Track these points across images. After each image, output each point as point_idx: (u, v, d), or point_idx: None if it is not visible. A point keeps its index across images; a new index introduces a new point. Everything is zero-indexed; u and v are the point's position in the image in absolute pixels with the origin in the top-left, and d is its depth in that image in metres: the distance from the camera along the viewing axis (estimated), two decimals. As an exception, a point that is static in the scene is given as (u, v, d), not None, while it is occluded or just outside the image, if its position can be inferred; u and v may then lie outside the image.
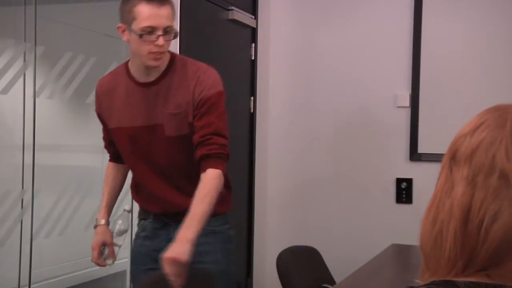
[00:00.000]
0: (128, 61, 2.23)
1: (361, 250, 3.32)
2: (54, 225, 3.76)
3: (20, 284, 3.46)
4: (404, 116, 3.60)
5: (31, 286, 3.51)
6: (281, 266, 2.65)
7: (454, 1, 3.52)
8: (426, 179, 3.34)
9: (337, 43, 3.73)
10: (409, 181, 3.59)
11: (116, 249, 2.31)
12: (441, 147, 0.89)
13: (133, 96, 2.18)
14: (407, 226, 3.15)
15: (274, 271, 2.67)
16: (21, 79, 3.49)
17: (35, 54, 3.51)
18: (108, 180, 2.39)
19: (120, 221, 2.32)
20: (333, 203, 3.73)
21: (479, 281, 0.80)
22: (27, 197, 3.48)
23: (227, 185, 2.30)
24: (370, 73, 3.66)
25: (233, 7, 3.48)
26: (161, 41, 2.04)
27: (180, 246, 2.00)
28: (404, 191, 3.60)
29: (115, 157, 2.37)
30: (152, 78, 2.15)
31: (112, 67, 3.51)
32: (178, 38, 2.39)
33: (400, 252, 3.09)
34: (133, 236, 2.44)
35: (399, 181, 3.61)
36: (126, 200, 2.62)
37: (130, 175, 2.40)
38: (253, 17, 3.75)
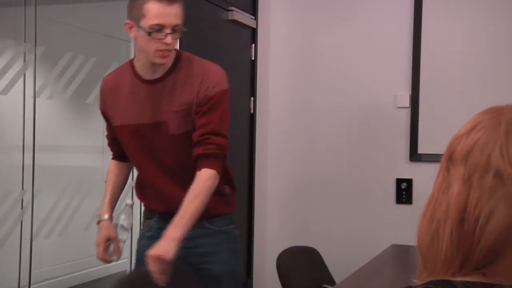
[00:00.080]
0: (133, 58, 2.22)
1: (361, 251, 3.32)
2: (54, 226, 3.76)
3: (20, 284, 3.46)
4: (404, 116, 3.60)
5: (31, 287, 3.51)
6: (281, 266, 2.65)
7: (454, 1, 3.52)
8: (426, 180, 3.33)
9: (337, 43, 3.73)
10: (409, 182, 3.59)
11: (121, 244, 2.29)
12: (441, 148, 0.89)
13: (138, 93, 2.17)
14: (407, 226, 3.14)
15: (274, 272, 2.66)
16: (21, 80, 3.49)
17: (35, 55, 3.51)
18: (111, 177, 2.38)
19: (123, 216, 2.31)
20: (333, 204, 3.73)
21: (476, 281, 0.80)
22: (27, 198, 3.48)
23: (232, 185, 2.30)
24: (370, 73, 3.66)
25: (233, 8, 3.48)
26: (169, 39, 2.04)
27: (166, 244, 2.00)
28: (404, 191, 3.59)
29: (118, 155, 2.37)
30: (157, 75, 2.15)
31: (112, 67, 3.52)
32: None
33: (400, 252, 3.09)
34: (134, 244, 2.42)
35: (399, 181, 3.61)
36: (127, 198, 2.61)
37: (132, 176, 2.40)
38: (253, 17, 3.75)
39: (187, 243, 2.22)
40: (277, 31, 3.86)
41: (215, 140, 2.10)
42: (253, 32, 3.77)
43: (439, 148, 0.88)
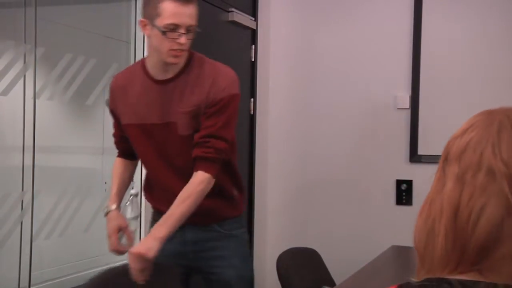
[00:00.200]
0: (145, 58, 2.22)
1: (361, 252, 3.32)
2: (54, 227, 3.75)
3: (20, 285, 3.45)
4: (404, 117, 3.60)
5: None
6: (281, 268, 2.65)
7: (454, 1, 3.52)
8: (426, 181, 3.32)
9: (337, 44, 3.73)
10: (409, 183, 3.59)
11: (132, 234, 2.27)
12: (441, 149, 0.90)
13: (149, 93, 2.17)
14: (407, 227, 3.12)
15: (274, 273, 2.66)
16: (21, 81, 3.48)
17: (35, 56, 3.50)
18: (116, 172, 2.36)
19: (130, 207, 2.29)
20: (333, 205, 3.72)
21: (472, 279, 0.81)
22: (27, 199, 3.47)
23: (240, 188, 2.29)
24: (370, 74, 3.66)
25: (233, 9, 3.48)
26: (183, 39, 2.04)
27: (149, 242, 2.00)
28: (404, 192, 3.59)
29: (124, 154, 2.36)
30: (169, 75, 2.15)
31: (113, 68, 3.52)
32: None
33: (400, 253, 3.09)
34: (143, 235, 2.41)
35: (399, 182, 3.61)
36: (132, 190, 2.58)
37: (136, 176, 2.39)
38: (253, 18, 3.75)
39: (197, 247, 2.22)
40: (277, 32, 3.86)
41: (215, 144, 2.09)
42: (253, 33, 3.77)
43: (439, 149, 0.89)
